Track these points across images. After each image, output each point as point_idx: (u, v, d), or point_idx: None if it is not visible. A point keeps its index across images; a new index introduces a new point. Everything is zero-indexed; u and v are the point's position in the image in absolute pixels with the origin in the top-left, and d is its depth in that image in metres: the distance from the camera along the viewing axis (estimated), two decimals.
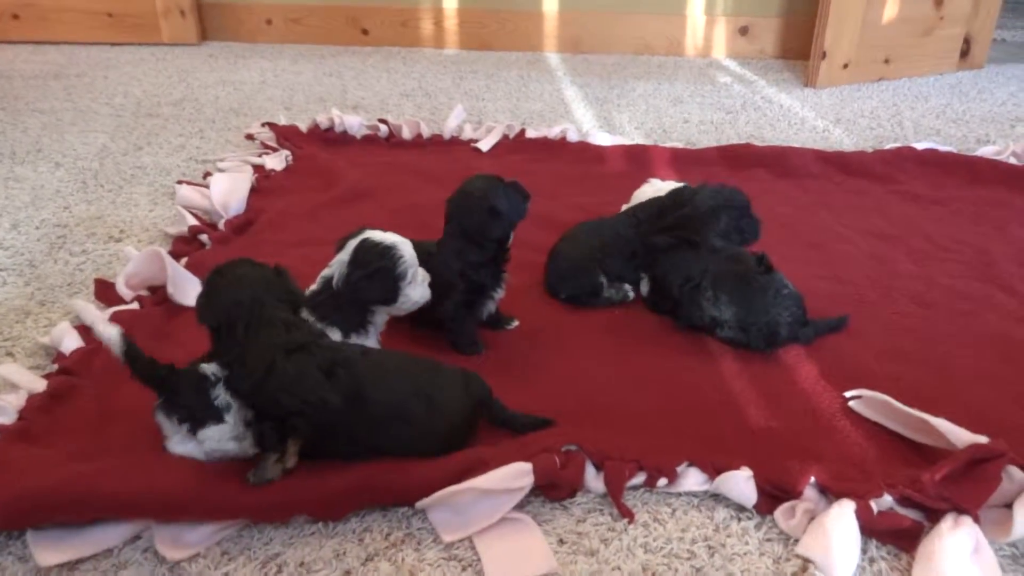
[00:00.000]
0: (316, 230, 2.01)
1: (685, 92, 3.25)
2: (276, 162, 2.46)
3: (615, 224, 1.79)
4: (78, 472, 1.16)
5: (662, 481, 1.23)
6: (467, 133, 2.73)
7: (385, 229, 1.42)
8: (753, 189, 1.80)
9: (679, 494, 1.24)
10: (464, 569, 1.11)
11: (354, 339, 1.39)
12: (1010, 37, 4.08)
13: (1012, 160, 2.46)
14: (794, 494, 1.20)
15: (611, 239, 1.76)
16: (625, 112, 3.02)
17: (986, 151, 2.55)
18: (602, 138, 2.66)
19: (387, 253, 1.36)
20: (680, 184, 1.80)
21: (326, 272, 1.40)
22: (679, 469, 1.24)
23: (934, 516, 1.16)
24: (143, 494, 1.14)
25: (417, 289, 1.40)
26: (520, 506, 1.19)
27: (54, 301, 1.76)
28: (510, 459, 1.19)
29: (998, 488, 1.15)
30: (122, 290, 1.72)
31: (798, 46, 3.58)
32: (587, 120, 2.93)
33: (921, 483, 1.16)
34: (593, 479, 1.24)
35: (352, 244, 1.37)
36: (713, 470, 1.24)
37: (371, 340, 1.43)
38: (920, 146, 2.53)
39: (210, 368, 1.22)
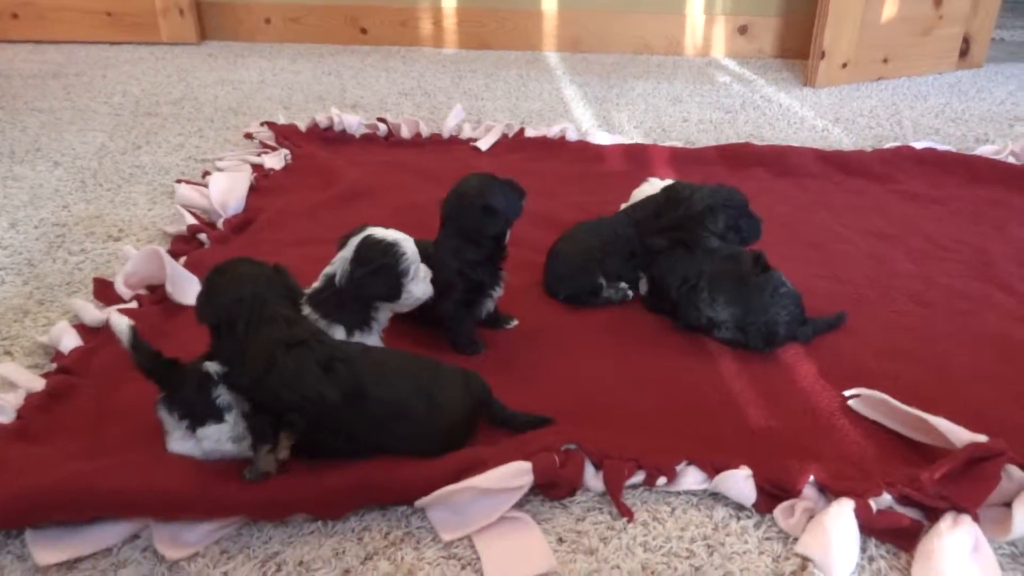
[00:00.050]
0: (315, 229, 2.01)
1: (684, 91, 3.25)
2: (275, 161, 2.45)
3: (614, 224, 1.79)
4: (77, 471, 1.16)
5: (661, 480, 1.23)
6: (466, 132, 2.73)
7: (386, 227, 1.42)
8: (752, 188, 1.80)
9: (678, 493, 1.24)
10: (463, 568, 1.11)
11: (357, 336, 1.39)
12: (1009, 36, 4.08)
13: (1011, 159, 2.46)
14: (793, 493, 1.20)
15: (610, 239, 1.76)
16: (624, 111, 3.02)
17: (985, 150, 2.55)
18: (601, 137, 2.66)
19: (389, 250, 1.36)
20: (672, 181, 1.79)
21: (328, 270, 1.40)
22: (678, 468, 1.24)
23: (933, 515, 1.16)
24: (142, 493, 1.14)
25: (419, 285, 1.40)
26: (519, 505, 1.19)
27: (53, 300, 1.76)
28: (509, 458, 1.19)
29: (997, 487, 1.15)
30: (121, 289, 1.72)
31: (797, 45, 3.58)
32: (586, 119, 2.93)
33: (920, 482, 1.16)
34: (592, 478, 1.24)
35: (354, 241, 1.38)
36: (712, 469, 1.24)
37: (374, 337, 1.43)
38: (919, 145, 2.53)
39: (213, 367, 1.22)
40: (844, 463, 1.26)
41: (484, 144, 2.62)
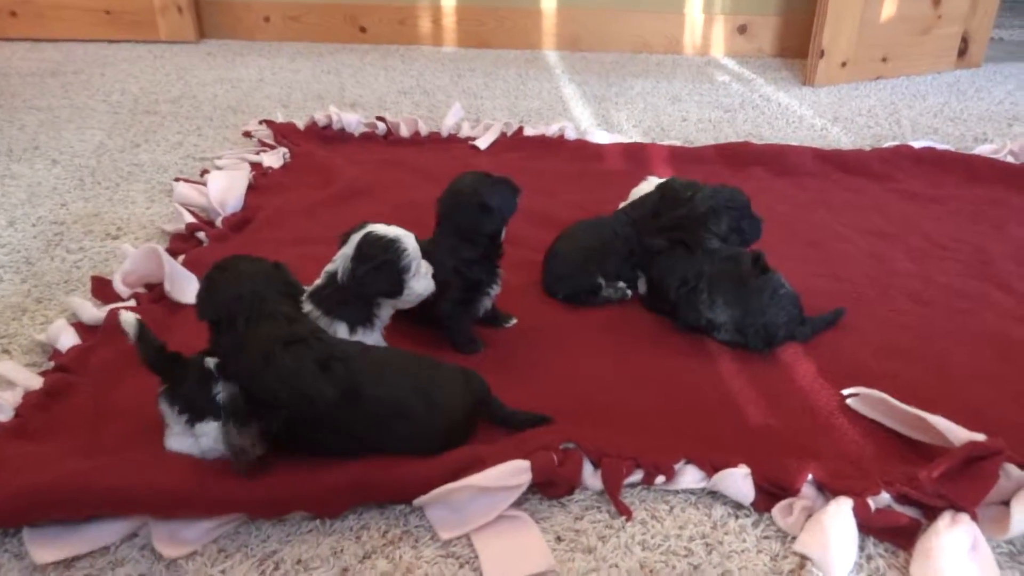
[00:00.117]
0: (314, 228, 2.01)
1: (683, 90, 3.25)
2: (274, 160, 2.45)
3: (612, 223, 1.79)
4: (74, 469, 1.16)
5: (660, 479, 1.23)
6: (465, 131, 2.73)
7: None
8: (751, 187, 1.79)
9: (677, 492, 1.24)
10: (462, 566, 1.11)
11: (359, 333, 1.39)
12: (1008, 36, 4.08)
13: (1009, 159, 2.46)
14: (792, 491, 1.20)
15: (608, 238, 1.76)
16: (623, 110, 3.02)
17: (983, 150, 2.55)
18: (600, 136, 2.66)
19: (391, 246, 1.36)
20: (664, 179, 1.79)
21: (330, 267, 1.40)
22: (677, 467, 1.24)
23: (931, 513, 1.16)
24: (139, 490, 1.14)
25: (421, 281, 1.40)
26: (518, 503, 1.19)
27: (51, 298, 1.75)
28: (508, 457, 1.19)
29: (995, 485, 1.15)
30: (119, 287, 1.72)
31: (796, 44, 3.58)
32: (585, 118, 2.93)
33: (918, 480, 1.16)
34: (591, 476, 1.24)
35: (356, 238, 1.38)
36: (711, 468, 1.24)
37: (376, 334, 1.43)
38: (918, 144, 2.53)
39: (213, 362, 1.22)
40: (842, 462, 1.26)
41: (483, 143, 2.62)
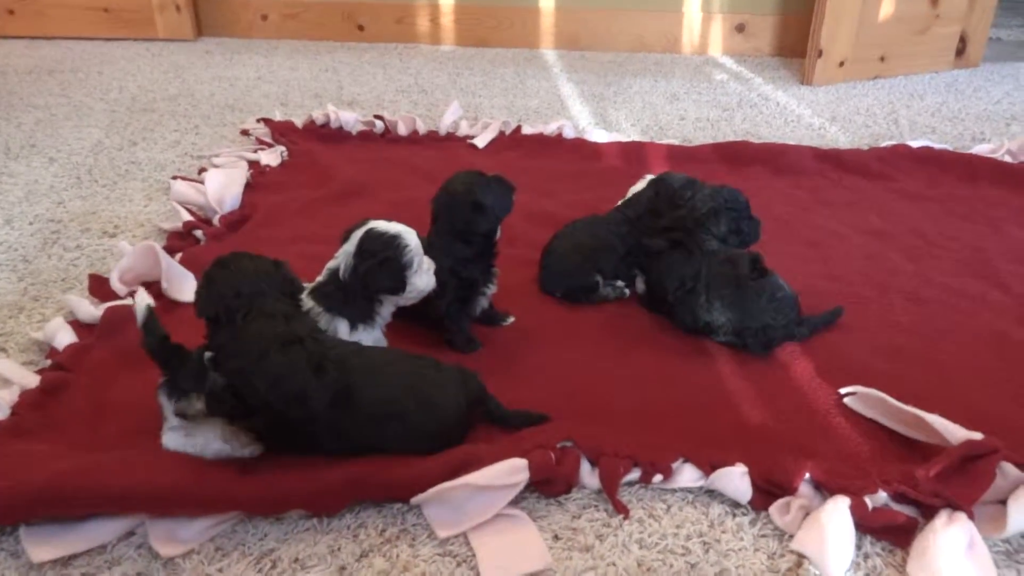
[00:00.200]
0: (311, 226, 2.01)
1: (681, 89, 3.25)
2: (271, 158, 2.45)
3: (609, 221, 1.79)
4: (71, 467, 1.16)
5: (657, 477, 1.23)
6: (463, 129, 2.72)
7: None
8: (749, 186, 1.80)
9: (674, 490, 1.24)
10: (459, 565, 1.11)
11: (360, 330, 1.39)
12: (1006, 36, 4.09)
13: (1007, 158, 2.47)
14: (789, 490, 1.20)
15: (605, 236, 1.76)
16: (621, 109, 3.02)
17: (981, 149, 2.55)
18: (598, 135, 2.66)
19: (393, 242, 1.36)
20: (660, 175, 1.79)
21: (332, 263, 1.40)
22: (674, 465, 1.24)
23: (928, 512, 1.16)
24: (136, 489, 1.13)
25: (423, 277, 1.40)
26: (515, 502, 1.19)
27: (48, 296, 1.75)
28: (505, 455, 1.19)
29: (992, 484, 1.15)
30: (116, 285, 1.71)
31: (794, 44, 3.58)
32: (583, 117, 2.93)
33: (915, 479, 1.17)
34: (588, 475, 1.24)
35: (358, 234, 1.38)
36: (708, 466, 1.24)
37: (376, 332, 1.43)
38: (915, 144, 2.53)
39: (208, 356, 1.22)
40: (840, 460, 1.26)
41: (481, 141, 2.62)
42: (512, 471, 1.17)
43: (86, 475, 1.14)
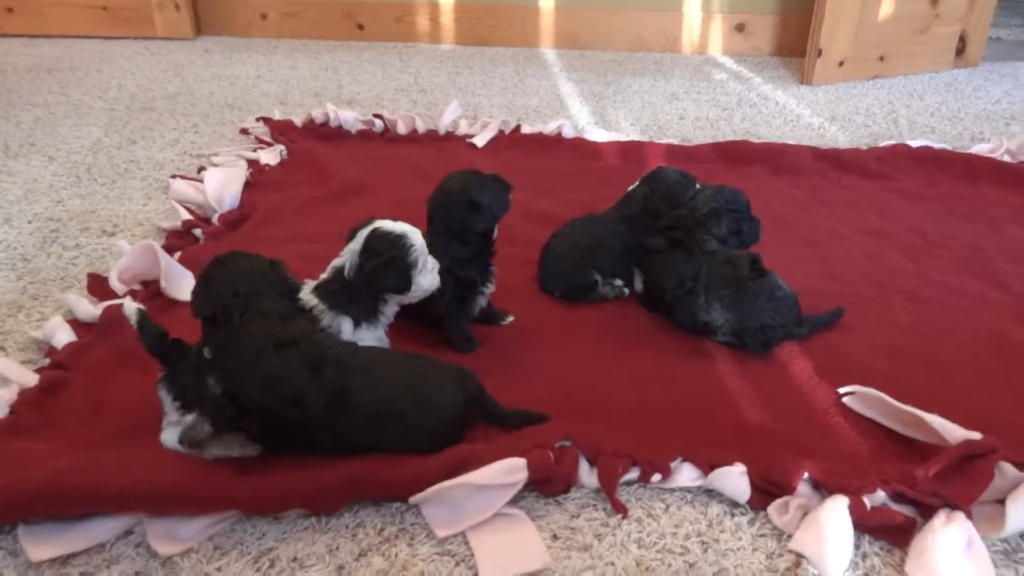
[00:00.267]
0: (310, 225, 2.01)
1: (681, 89, 3.25)
2: (271, 157, 2.45)
3: (607, 220, 1.79)
4: (70, 466, 1.16)
5: (656, 477, 1.23)
6: (463, 128, 2.72)
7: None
8: (748, 186, 1.80)
9: (673, 490, 1.24)
10: (457, 564, 1.11)
11: (364, 328, 1.39)
12: (1005, 35, 4.09)
13: (1006, 158, 2.47)
14: (788, 490, 1.20)
15: (603, 235, 1.75)
16: (621, 108, 3.02)
17: (980, 149, 2.55)
18: (598, 134, 2.66)
19: (398, 242, 1.36)
20: (650, 172, 1.78)
21: (337, 262, 1.40)
22: (673, 465, 1.24)
23: (927, 512, 1.16)
24: (135, 487, 1.13)
25: (427, 277, 1.40)
26: (514, 501, 1.19)
27: (47, 295, 1.75)
28: (504, 455, 1.19)
29: (991, 484, 1.15)
30: (115, 284, 1.72)
31: (794, 43, 3.58)
32: (583, 116, 2.93)
33: (914, 479, 1.17)
34: (587, 474, 1.24)
35: (363, 233, 1.38)
36: (707, 466, 1.24)
37: (380, 330, 1.43)
38: (915, 143, 2.53)
39: (208, 351, 1.22)
40: (838, 460, 1.26)
41: (480, 140, 2.61)
42: (511, 470, 1.17)
43: (85, 474, 1.14)
